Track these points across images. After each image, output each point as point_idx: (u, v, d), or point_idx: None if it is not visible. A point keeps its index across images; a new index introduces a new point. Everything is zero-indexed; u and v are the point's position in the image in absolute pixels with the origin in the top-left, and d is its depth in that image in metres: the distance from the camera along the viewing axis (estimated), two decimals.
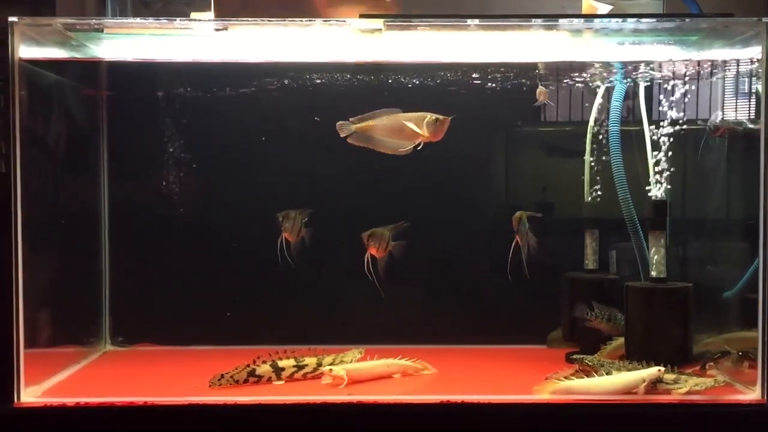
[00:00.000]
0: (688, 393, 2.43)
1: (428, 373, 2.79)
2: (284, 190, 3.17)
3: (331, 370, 2.62)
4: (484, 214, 3.36)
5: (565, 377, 2.49)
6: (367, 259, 2.77)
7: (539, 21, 2.49)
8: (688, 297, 2.76)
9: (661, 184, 2.83)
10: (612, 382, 2.47)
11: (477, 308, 3.25)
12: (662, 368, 2.45)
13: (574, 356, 2.72)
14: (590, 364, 2.63)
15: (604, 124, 3.05)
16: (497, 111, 3.23)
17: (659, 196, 2.83)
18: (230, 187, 3.21)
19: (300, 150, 3.18)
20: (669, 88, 2.88)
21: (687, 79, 2.92)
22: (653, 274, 2.81)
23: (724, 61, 2.91)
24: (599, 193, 3.08)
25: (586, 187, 3.09)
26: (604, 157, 3.04)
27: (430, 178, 3.18)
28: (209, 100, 3.14)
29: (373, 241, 2.77)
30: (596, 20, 2.57)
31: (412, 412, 2.38)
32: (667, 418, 2.39)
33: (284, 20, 2.44)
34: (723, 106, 3.07)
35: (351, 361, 2.79)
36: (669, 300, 2.75)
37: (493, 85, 3.10)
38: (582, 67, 2.96)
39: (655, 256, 2.80)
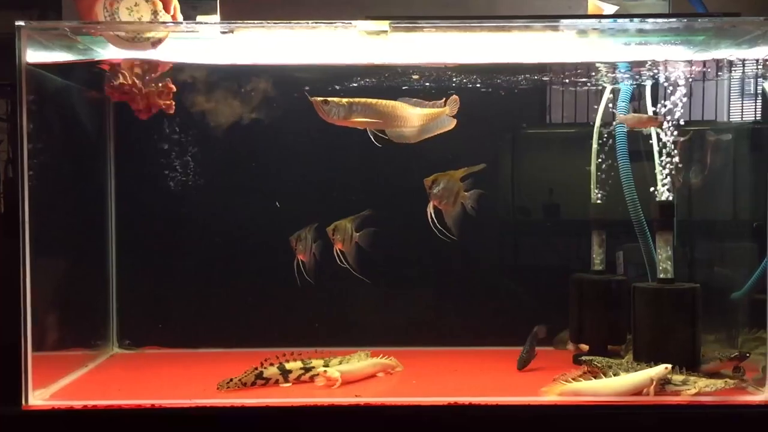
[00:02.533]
0: (698, 394, 2.42)
1: (400, 370, 2.82)
2: (291, 192, 3.17)
3: (325, 371, 2.63)
4: (490, 216, 3.36)
5: (573, 379, 2.48)
6: (337, 253, 2.73)
7: (545, 22, 2.49)
8: (695, 298, 2.73)
9: (669, 184, 2.82)
10: (620, 383, 2.46)
11: (484, 310, 3.25)
12: (669, 366, 2.45)
13: (583, 357, 2.72)
14: (599, 365, 2.62)
15: (611, 125, 3.04)
16: (503, 112, 3.22)
17: (667, 196, 2.82)
18: (237, 190, 3.21)
19: (307, 152, 3.19)
20: (675, 88, 2.87)
21: (693, 79, 2.91)
22: (660, 275, 2.80)
23: (730, 62, 2.90)
24: (605, 193, 3.07)
25: (593, 189, 3.08)
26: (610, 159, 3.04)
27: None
28: (216, 102, 3.14)
29: (338, 235, 2.73)
30: (602, 21, 2.57)
31: (419, 414, 2.38)
32: (674, 419, 2.38)
33: (290, 23, 2.44)
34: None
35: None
36: (676, 301, 2.73)
37: (500, 86, 3.10)
38: (588, 68, 2.96)
39: (662, 257, 2.79)
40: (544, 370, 2.71)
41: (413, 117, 2.62)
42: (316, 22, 2.43)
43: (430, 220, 2.65)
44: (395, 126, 2.60)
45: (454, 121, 2.66)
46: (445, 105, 2.65)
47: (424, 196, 3.16)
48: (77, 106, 3.03)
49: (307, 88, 2.61)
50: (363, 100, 2.57)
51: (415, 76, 2.96)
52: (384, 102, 2.59)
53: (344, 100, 2.55)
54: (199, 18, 2.57)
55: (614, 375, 2.52)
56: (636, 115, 2.89)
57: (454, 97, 2.65)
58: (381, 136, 2.60)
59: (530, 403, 2.41)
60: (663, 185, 2.77)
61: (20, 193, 2.40)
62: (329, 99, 2.54)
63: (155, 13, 2.46)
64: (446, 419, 2.38)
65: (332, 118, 2.55)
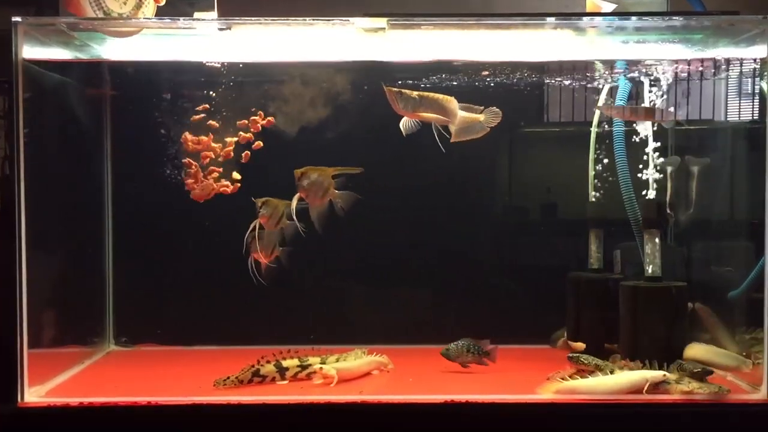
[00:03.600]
0: (691, 393, 2.42)
1: (391, 368, 2.81)
2: (289, 189, 3.16)
3: (321, 368, 2.63)
4: (488, 215, 3.36)
5: (570, 376, 2.49)
6: (254, 226, 2.64)
7: (543, 20, 2.49)
8: (677, 296, 2.72)
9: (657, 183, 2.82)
10: (616, 381, 2.47)
11: (481, 308, 3.24)
12: (666, 374, 2.45)
13: (571, 355, 2.71)
14: (586, 363, 2.62)
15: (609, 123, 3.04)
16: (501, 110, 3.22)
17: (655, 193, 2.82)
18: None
19: (305, 148, 3.17)
20: (673, 86, 2.88)
21: (691, 77, 2.91)
22: (648, 273, 2.79)
23: (728, 60, 2.90)
24: (602, 192, 3.07)
25: (591, 187, 3.08)
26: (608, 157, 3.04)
27: (432, 178, 3.18)
28: (213, 99, 3.14)
29: (265, 210, 2.63)
30: (600, 18, 2.57)
31: (416, 412, 2.38)
32: (671, 417, 2.38)
33: (287, 19, 2.44)
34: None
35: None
36: (656, 299, 2.71)
37: (497, 84, 3.09)
38: (586, 66, 2.95)
39: (649, 256, 2.78)
40: (540, 368, 2.70)
41: (459, 118, 2.62)
42: (313, 19, 2.43)
43: (293, 210, 2.61)
44: (449, 123, 2.60)
45: (488, 130, 2.66)
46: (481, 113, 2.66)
47: (420, 192, 3.18)
48: (74, 102, 3.01)
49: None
50: (431, 94, 2.57)
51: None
52: (446, 97, 2.59)
53: (415, 93, 2.55)
54: (196, 15, 2.56)
55: (603, 373, 2.51)
56: (632, 107, 2.88)
57: (497, 110, 2.65)
58: (444, 134, 2.61)
59: (526, 401, 2.41)
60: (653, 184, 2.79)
61: (16, 190, 2.39)
62: (403, 90, 2.53)
63: None
64: (443, 417, 2.38)
65: (402, 110, 2.53)
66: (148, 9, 2.49)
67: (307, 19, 2.43)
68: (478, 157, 3.25)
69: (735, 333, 2.88)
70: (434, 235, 3.21)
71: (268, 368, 2.66)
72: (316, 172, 2.62)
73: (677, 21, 2.50)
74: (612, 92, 3.03)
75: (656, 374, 2.45)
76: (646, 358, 2.54)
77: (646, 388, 2.42)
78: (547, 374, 2.57)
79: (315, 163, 3.09)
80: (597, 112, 3.08)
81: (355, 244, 2.96)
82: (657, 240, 2.78)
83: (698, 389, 2.42)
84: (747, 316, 2.80)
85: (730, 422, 2.39)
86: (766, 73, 2.67)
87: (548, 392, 2.45)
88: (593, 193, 3.07)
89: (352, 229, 2.92)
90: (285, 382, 2.66)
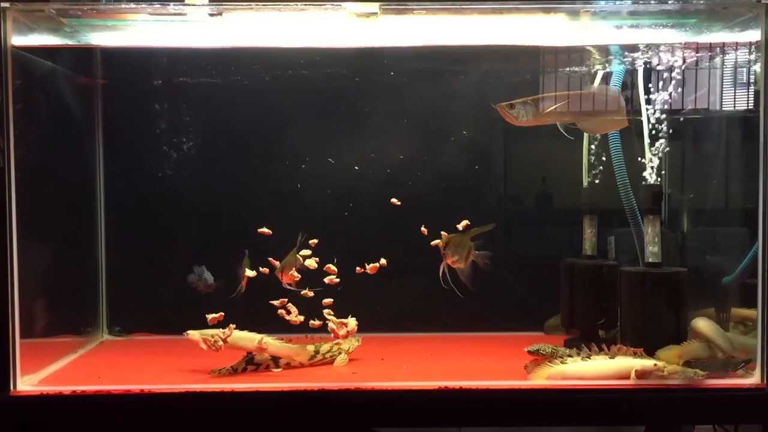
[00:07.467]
0: (665, 377, 2.43)
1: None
2: (283, 179, 3.15)
3: (187, 334, 2.58)
4: (482, 203, 3.35)
5: (561, 361, 2.49)
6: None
7: (537, 4, 2.48)
8: (679, 282, 2.72)
9: (655, 169, 2.81)
10: (608, 366, 2.48)
11: (475, 296, 3.23)
12: (658, 363, 2.45)
13: (528, 348, 2.69)
14: (543, 353, 2.61)
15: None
16: (494, 98, 3.20)
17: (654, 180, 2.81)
18: (228, 175, 3.19)
19: (299, 138, 3.17)
20: (667, 73, 2.86)
21: (685, 64, 2.90)
22: (648, 259, 2.79)
23: (723, 49, 2.89)
24: (596, 178, 3.07)
25: (585, 173, 3.07)
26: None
27: (427, 168, 3.17)
28: (205, 86, 3.12)
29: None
30: (594, 2, 2.55)
31: (410, 398, 2.38)
32: (666, 402, 2.39)
33: (278, 4, 2.42)
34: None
35: (348, 349, 2.81)
36: (659, 285, 2.71)
37: (492, 71, 3.08)
38: (580, 51, 2.94)
39: (650, 242, 2.78)
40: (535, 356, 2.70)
41: (615, 101, 2.63)
42: (305, 4, 2.41)
43: (441, 278, 2.62)
44: (595, 114, 2.61)
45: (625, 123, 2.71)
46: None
47: (417, 185, 3.17)
48: (65, 90, 3.00)
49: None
50: (549, 94, 2.58)
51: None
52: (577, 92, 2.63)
53: (529, 98, 2.54)
54: (187, 0, 2.54)
55: (562, 361, 2.50)
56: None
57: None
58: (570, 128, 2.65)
59: (519, 387, 2.42)
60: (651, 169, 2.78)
61: (6, 179, 2.37)
62: (513, 102, 2.53)
63: None
64: (437, 403, 2.38)
65: (521, 121, 2.53)
66: None
67: (299, 4, 2.41)
68: (473, 148, 3.25)
69: (729, 318, 2.89)
70: (428, 225, 3.20)
71: (262, 356, 2.66)
72: (457, 238, 2.62)
73: (671, 5, 2.49)
74: (606, 78, 3.01)
75: (646, 363, 2.45)
76: (651, 345, 2.54)
77: (633, 374, 2.42)
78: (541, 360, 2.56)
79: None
80: None
81: (350, 238, 2.94)
82: (657, 226, 2.77)
83: (673, 373, 2.43)
84: (741, 301, 2.81)
85: (724, 406, 2.39)
86: (760, 57, 2.65)
87: (541, 377, 2.46)
88: (587, 176, 3.06)
89: (344, 219, 2.90)
90: (279, 369, 2.66)
